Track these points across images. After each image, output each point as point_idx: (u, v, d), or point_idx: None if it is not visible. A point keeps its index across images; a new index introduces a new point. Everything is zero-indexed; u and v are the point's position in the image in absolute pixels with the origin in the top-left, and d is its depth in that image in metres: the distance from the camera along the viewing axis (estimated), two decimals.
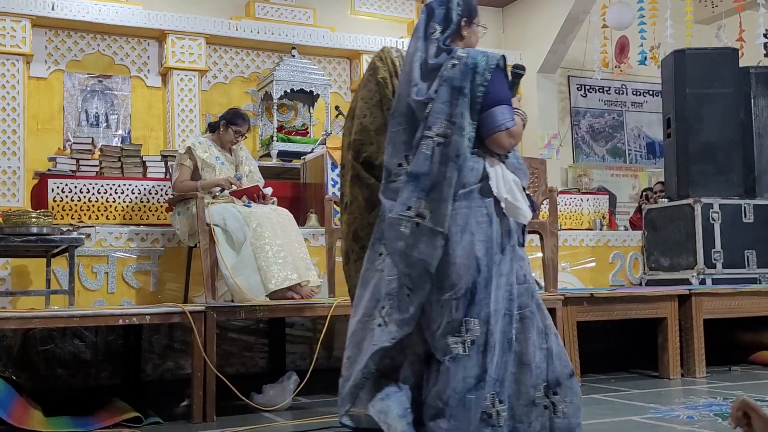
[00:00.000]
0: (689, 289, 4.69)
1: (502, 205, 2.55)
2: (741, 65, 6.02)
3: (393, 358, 2.66)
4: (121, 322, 3.45)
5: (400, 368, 2.65)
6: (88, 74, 7.25)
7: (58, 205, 4.95)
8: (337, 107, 7.39)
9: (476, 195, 2.52)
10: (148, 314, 3.47)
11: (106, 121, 7.30)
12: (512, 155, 2.70)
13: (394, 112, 2.66)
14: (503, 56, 2.64)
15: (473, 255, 2.47)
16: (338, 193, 5.41)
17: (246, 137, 4.91)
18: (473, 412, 2.41)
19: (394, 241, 2.51)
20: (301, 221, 5.30)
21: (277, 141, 7.16)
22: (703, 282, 5.46)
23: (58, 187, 4.98)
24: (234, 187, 4.56)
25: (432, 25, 2.64)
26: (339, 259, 4.96)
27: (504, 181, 2.58)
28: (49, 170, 5.22)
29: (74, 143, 5.57)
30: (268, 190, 4.64)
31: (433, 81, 2.55)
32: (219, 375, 3.44)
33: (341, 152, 3.10)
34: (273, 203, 4.65)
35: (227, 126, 4.71)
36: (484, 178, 2.55)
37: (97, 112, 7.27)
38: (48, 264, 4.36)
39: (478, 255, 2.48)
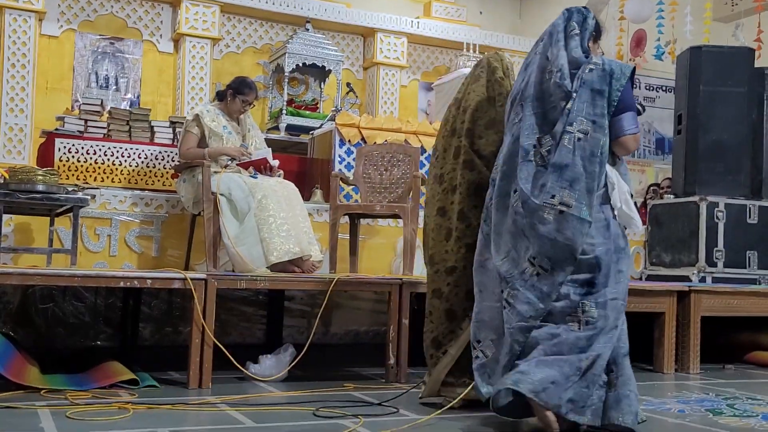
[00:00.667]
0: (689, 286, 4.70)
1: (616, 213, 2.82)
2: (756, 66, 5.98)
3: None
4: (122, 284, 3.46)
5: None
6: (100, 35, 7.22)
7: (64, 165, 4.95)
8: (348, 84, 7.39)
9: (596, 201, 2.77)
10: (149, 278, 3.48)
11: (116, 84, 7.27)
12: (623, 162, 2.94)
13: (526, 97, 2.85)
14: (634, 67, 2.90)
15: (594, 254, 2.73)
16: (344, 170, 5.43)
17: (254, 106, 4.88)
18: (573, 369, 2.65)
19: (536, 225, 2.72)
20: (306, 196, 5.30)
21: (286, 114, 7.15)
22: (703, 280, 5.46)
23: (65, 147, 4.98)
24: (244, 158, 4.55)
25: (572, 24, 2.91)
26: (342, 235, 4.99)
27: (620, 191, 2.83)
28: (56, 129, 5.22)
29: (83, 104, 5.56)
30: (276, 162, 4.63)
31: (572, 78, 2.78)
32: (217, 343, 3.46)
33: (441, 137, 3.35)
34: (279, 176, 4.64)
35: (234, 95, 4.68)
36: (605, 186, 2.79)
37: (107, 75, 7.25)
38: (51, 223, 4.37)
39: (598, 255, 2.74)
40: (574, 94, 2.74)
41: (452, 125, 3.29)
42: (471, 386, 2.98)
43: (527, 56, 3.01)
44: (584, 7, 3.02)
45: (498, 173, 2.91)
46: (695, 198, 5.62)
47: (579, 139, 2.71)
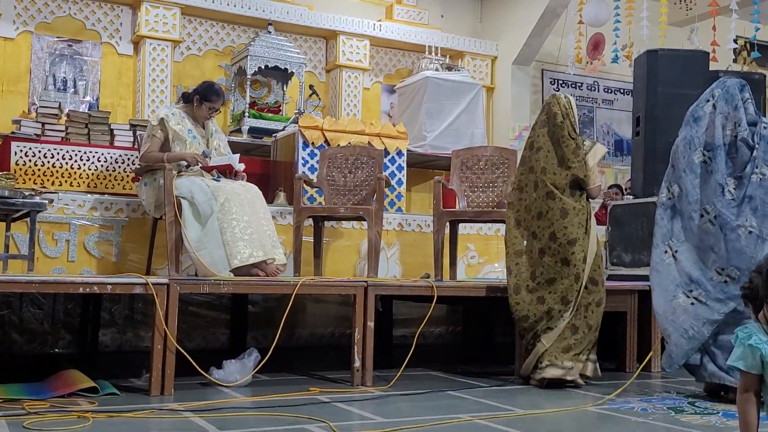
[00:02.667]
0: (649, 285, 4.75)
1: None
2: (712, 68, 6.10)
3: None
4: (81, 290, 3.40)
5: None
6: (58, 38, 7.09)
7: (20, 169, 4.85)
8: (311, 86, 7.36)
9: None
10: (109, 284, 3.42)
11: (74, 86, 7.15)
12: None
13: (716, 147, 3.71)
14: None
15: None
16: (308, 173, 5.40)
17: (219, 112, 4.83)
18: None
19: (732, 242, 3.57)
20: (269, 199, 5.27)
21: (248, 117, 7.10)
22: None
23: (21, 151, 4.88)
24: (199, 165, 4.48)
25: (744, 93, 3.75)
26: (306, 238, 4.97)
27: None
28: (12, 133, 5.10)
29: (40, 107, 5.45)
30: (241, 166, 4.58)
31: (753, 134, 3.67)
32: (179, 348, 3.41)
33: (521, 173, 4.17)
34: (243, 179, 4.60)
35: (201, 101, 4.61)
36: None
37: (65, 77, 7.13)
38: (7, 228, 4.27)
39: None
40: (756, 146, 3.64)
41: (529, 164, 4.11)
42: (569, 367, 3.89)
43: (694, 110, 3.86)
44: (743, 79, 3.90)
45: (681, 200, 3.77)
46: (654, 198, 5.70)
47: (760, 179, 3.62)
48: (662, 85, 5.86)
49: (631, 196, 6.18)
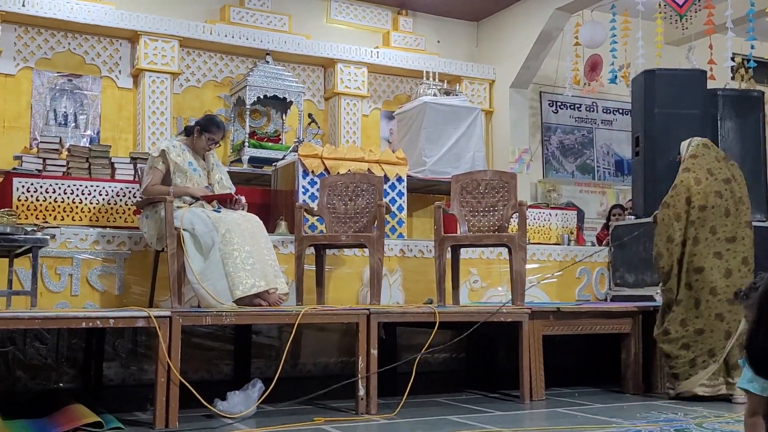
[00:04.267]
0: (653, 306, 4.75)
1: None
2: (709, 87, 6.13)
3: None
4: (84, 325, 3.40)
5: None
6: (58, 73, 7.16)
7: (22, 205, 4.87)
8: (310, 115, 7.41)
9: None
10: (112, 318, 3.42)
11: (75, 121, 7.20)
12: None
13: None
14: None
15: None
16: (309, 201, 5.42)
17: (220, 145, 4.86)
18: None
19: None
20: (270, 228, 5.28)
21: (248, 147, 7.14)
22: None
23: (23, 186, 4.90)
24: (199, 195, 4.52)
25: None
26: (308, 266, 4.97)
27: None
28: (14, 169, 5.13)
29: (41, 142, 5.49)
30: (242, 199, 4.61)
31: None
32: (183, 381, 3.40)
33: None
34: (243, 209, 4.61)
35: (201, 132, 4.64)
36: None
37: (65, 112, 7.18)
38: (10, 264, 4.27)
39: None
40: None
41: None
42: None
43: None
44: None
45: None
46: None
47: None
48: (660, 105, 5.89)
49: (632, 217, 6.18)
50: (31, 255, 4.08)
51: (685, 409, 3.94)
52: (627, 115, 9.35)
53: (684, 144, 4.69)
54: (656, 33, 7.48)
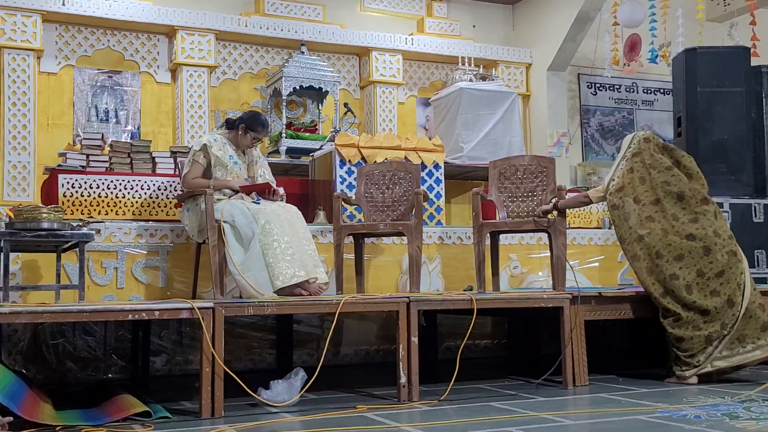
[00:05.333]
0: None
1: None
2: (753, 64, 6.00)
3: None
4: (130, 317, 3.47)
5: None
6: (98, 69, 7.28)
7: (68, 200, 4.98)
8: (346, 104, 7.42)
9: None
10: (156, 310, 3.48)
11: (116, 116, 7.32)
12: None
13: None
14: None
15: None
16: (346, 190, 5.44)
17: (262, 142, 4.90)
18: None
19: None
20: (309, 218, 5.32)
21: (285, 138, 7.18)
22: None
23: (68, 183, 5.01)
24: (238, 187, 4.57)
25: None
26: (347, 256, 5.00)
27: None
28: (59, 165, 5.25)
29: (84, 139, 5.60)
30: (281, 189, 4.65)
31: None
32: (227, 371, 3.46)
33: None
34: (282, 200, 4.66)
35: (246, 131, 4.69)
36: None
37: (106, 108, 7.30)
38: (58, 259, 4.39)
39: None
40: None
41: None
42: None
43: None
44: None
45: None
46: None
47: None
48: (702, 83, 5.79)
49: None
50: (77, 250, 4.18)
51: (731, 392, 3.88)
52: (668, 95, 9.18)
53: (626, 140, 4.60)
54: (697, 10, 7.32)
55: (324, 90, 7.51)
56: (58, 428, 3.13)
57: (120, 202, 5.11)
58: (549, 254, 4.73)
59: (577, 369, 4.23)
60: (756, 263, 5.61)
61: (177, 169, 5.33)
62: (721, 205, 5.55)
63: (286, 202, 4.70)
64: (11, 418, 2.49)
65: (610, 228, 6.39)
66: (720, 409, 3.43)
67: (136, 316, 3.47)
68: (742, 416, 3.25)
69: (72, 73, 7.17)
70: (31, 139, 6.70)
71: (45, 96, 6.99)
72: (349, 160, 5.62)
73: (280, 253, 4.21)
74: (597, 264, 6.11)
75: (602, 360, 4.79)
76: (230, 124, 4.78)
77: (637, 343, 5.64)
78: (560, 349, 4.22)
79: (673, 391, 4.01)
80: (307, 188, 6.13)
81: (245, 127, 4.68)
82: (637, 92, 9.82)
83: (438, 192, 5.85)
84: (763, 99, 5.93)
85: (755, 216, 5.64)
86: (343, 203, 5.08)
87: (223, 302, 3.66)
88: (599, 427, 3.14)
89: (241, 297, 4.25)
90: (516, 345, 5.73)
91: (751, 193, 5.73)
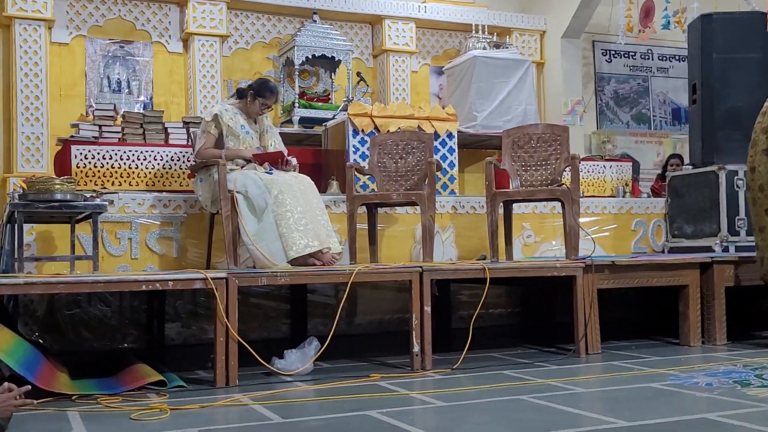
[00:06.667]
0: (712, 257, 4.66)
1: None
2: None
3: None
4: (144, 287, 3.49)
5: None
6: (110, 40, 7.26)
7: (81, 171, 5.00)
8: (358, 73, 7.37)
9: None
10: (170, 280, 3.51)
11: (128, 87, 7.32)
12: None
13: None
14: None
15: None
16: (359, 160, 5.42)
17: (272, 109, 4.88)
18: None
19: None
20: (322, 188, 5.31)
21: (298, 107, 7.15)
22: (726, 249, 5.42)
23: (81, 154, 5.02)
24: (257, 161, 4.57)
25: None
26: (361, 225, 5.00)
27: None
28: (72, 136, 5.26)
29: (96, 110, 5.60)
30: (293, 160, 4.65)
31: None
32: (241, 340, 3.49)
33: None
34: (295, 170, 4.65)
35: (255, 97, 4.68)
36: None
37: (119, 78, 7.29)
38: (72, 230, 4.42)
39: None
40: None
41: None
42: None
43: None
44: None
45: None
46: (714, 167, 5.58)
47: None
48: (718, 50, 5.70)
49: (690, 166, 6.03)
50: (91, 220, 4.20)
51: (744, 360, 3.88)
52: (684, 61, 9.04)
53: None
54: None
55: (337, 59, 7.46)
56: (74, 397, 3.18)
57: (133, 173, 5.12)
58: (562, 223, 4.71)
59: (590, 337, 4.24)
60: None
61: (190, 140, 5.33)
62: (736, 172, 5.50)
63: (299, 172, 4.69)
64: (29, 387, 2.53)
65: (624, 196, 6.36)
66: (732, 376, 3.43)
67: (150, 286, 3.49)
68: (754, 383, 3.25)
69: (83, 44, 7.16)
70: (44, 110, 6.71)
71: (57, 67, 6.99)
72: (362, 130, 5.60)
73: (293, 223, 4.22)
74: (610, 233, 6.09)
75: (615, 328, 4.79)
76: (240, 93, 4.78)
77: (649, 312, 5.63)
78: (573, 317, 4.22)
79: (685, 359, 4.01)
80: (320, 158, 6.12)
81: (254, 93, 4.67)
82: (653, 59, 9.70)
83: (451, 161, 5.83)
84: None
85: None
86: (356, 173, 5.07)
87: (236, 272, 3.68)
88: (611, 395, 3.15)
89: (254, 267, 4.27)
90: (529, 314, 5.74)
91: None
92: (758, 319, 5.13)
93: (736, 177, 5.50)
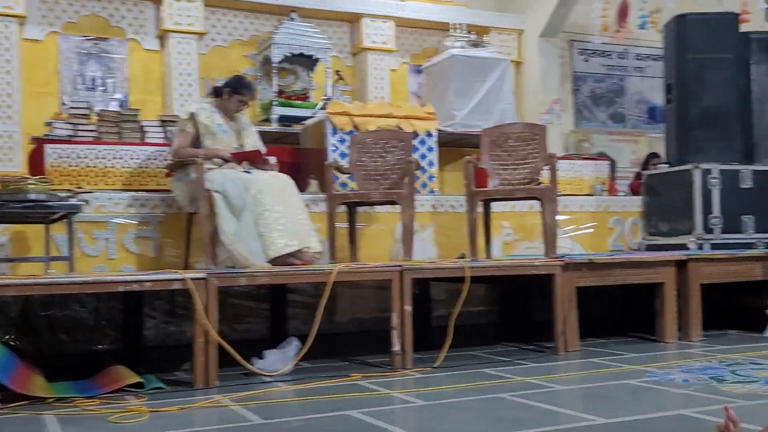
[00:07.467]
0: (687, 255, 4.71)
1: None
2: (742, 30, 5.97)
3: None
4: (121, 288, 3.46)
5: None
6: (84, 36, 7.18)
7: (55, 170, 4.94)
8: (337, 71, 7.36)
9: None
10: (148, 281, 3.48)
11: (103, 85, 7.24)
12: None
13: None
14: None
15: None
16: (339, 159, 5.41)
17: (249, 106, 4.86)
18: None
19: None
20: (301, 187, 5.29)
21: (277, 106, 7.12)
22: (701, 247, 5.49)
23: (55, 153, 4.96)
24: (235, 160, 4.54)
25: None
26: (340, 224, 4.99)
27: None
28: (46, 135, 5.20)
29: (71, 108, 5.54)
30: (272, 159, 4.62)
31: None
32: (221, 341, 3.46)
33: None
34: (274, 170, 4.63)
35: (231, 94, 4.65)
36: None
37: (93, 76, 7.21)
38: (47, 230, 4.36)
39: None
40: None
41: None
42: None
43: None
44: None
45: None
46: (689, 166, 5.64)
47: None
48: (692, 50, 5.77)
49: (665, 165, 6.09)
50: (66, 221, 4.15)
51: (719, 356, 3.92)
52: (660, 61, 9.14)
53: None
54: None
55: (315, 57, 7.44)
56: (50, 400, 3.14)
57: (109, 172, 5.07)
58: (541, 221, 4.74)
59: (569, 335, 4.27)
60: (744, 228, 5.64)
61: (167, 138, 5.29)
62: (710, 171, 5.57)
63: (279, 171, 4.67)
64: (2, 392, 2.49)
65: (601, 195, 6.41)
66: (707, 372, 3.47)
67: (128, 287, 3.46)
68: (729, 379, 3.29)
69: (57, 40, 7.07)
70: (17, 108, 6.62)
71: (30, 64, 6.90)
72: (341, 129, 5.59)
73: (272, 222, 4.20)
74: (587, 231, 6.14)
75: (593, 326, 4.82)
76: (217, 92, 4.75)
77: (626, 309, 5.68)
78: (552, 315, 4.24)
79: (662, 356, 4.05)
80: (299, 157, 6.10)
81: (230, 90, 4.64)
82: (629, 59, 9.78)
83: (430, 160, 5.84)
84: (752, 65, 5.91)
85: (744, 182, 5.66)
86: (335, 172, 5.06)
87: (215, 272, 3.65)
88: (589, 392, 3.17)
89: (233, 267, 4.25)
90: (508, 312, 5.76)
91: (740, 159, 5.75)
92: (732, 315, 5.20)
93: (710, 175, 5.56)
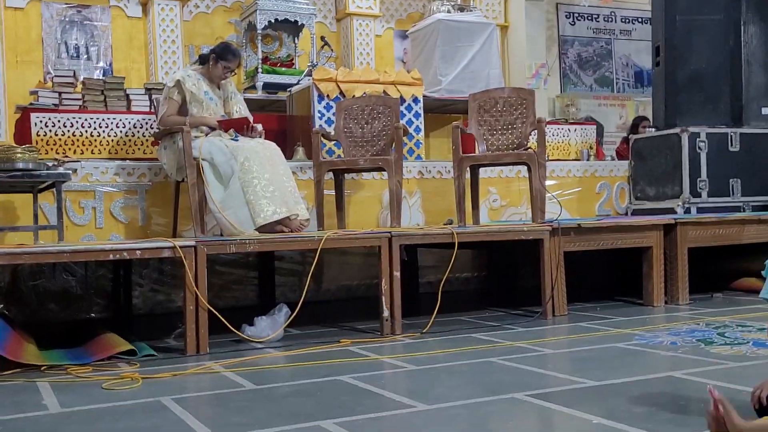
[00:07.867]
0: (674, 219, 4.74)
1: None
2: None
3: None
4: (111, 257, 3.45)
5: None
6: (66, 4, 7.06)
7: (42, 140, 4.89)
8: (322, 37, 7.27)
9: None
10: (138, 249, 3.47)
11: (87, 53, 7.14)
12: None
13: None
14: None
15: None
16: (325, 126, 5.38)
17: (235, 73, 4.82)
18: None
19: None
20: (288, 154, 5.28)
21: (262, 73, 7.04)
22: (688, 211, 5.53)
23: (41, 122, 4.92)
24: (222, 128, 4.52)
25: None
26: (328, 192, 4.98)
27: None
28: (31, 104, 5.14)
29: (55, 76, 5.47)
30: (259, 127, 4.60)
31: None
32: (211, 309, 3.47)
33: None
34: (260, 137, 4.61)
35: (216, 61, 4.61)
36: None
37: (77, 44, 7.11)
38: (35, 200, 4.33)
39: None
40: None
41: None
42: None
43: None
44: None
45: None
46: (677, 130, 5.66)
47: None
48: (681, 12, 5.75)
49: (653, 129, 6.10)
50: (54, 190, 4.13)
51: (706, 319, 3.98)
52: (647, 24, 9.11)
53: None
54: None
55: (300, 23, 7.35)
56: (43, 368, 3.15)
57: (95, 140, 5.03)
58: (528, 186, 4.75)
59: (557, 299, 4.31)
60: (731, 192, 5.68)
61: (152, 107, 5.24)
62: (698, 134, 5.59)
63: (265, 138, 4.65)
64: None
65: (588, 159, 6.42)
66: (695, 335, 3.52)
67: (117, 255, 3.45)
68: (717, 342, 3.34)
69: (39, 8, 6.95)
70: (1, 77, 6.53)
71: (12, 32, 6.78)
72: (327, 95, 5.55)
73: (260, 190, 4.19)
74: (574, 196, 6.16)
75: (582, 291, 4.87)
76: (203, 59, 4.71)
77: (614, 273, 5.73)
78: (540, 280, 4.28)
79: (649, 319, 4.10)
80: (285, 124, 6.07)
81: (216, 57, 4.61)
82: (616, 21, 9.74)
83: (417, 126, 5.82)
84: (742, 26, 5.90)
85: (731, 145, 5.68)
86: (322, 139, 5.04)
87: (204, 240, 3.65)
88: (577, 355, 3.21)
89: (222, 234, 4.25)
90: (496, 277, 5.80)
91: (727, 122, 5.77)
92: (719, 278, 5.26)
93: (698, 139, 5.58)
